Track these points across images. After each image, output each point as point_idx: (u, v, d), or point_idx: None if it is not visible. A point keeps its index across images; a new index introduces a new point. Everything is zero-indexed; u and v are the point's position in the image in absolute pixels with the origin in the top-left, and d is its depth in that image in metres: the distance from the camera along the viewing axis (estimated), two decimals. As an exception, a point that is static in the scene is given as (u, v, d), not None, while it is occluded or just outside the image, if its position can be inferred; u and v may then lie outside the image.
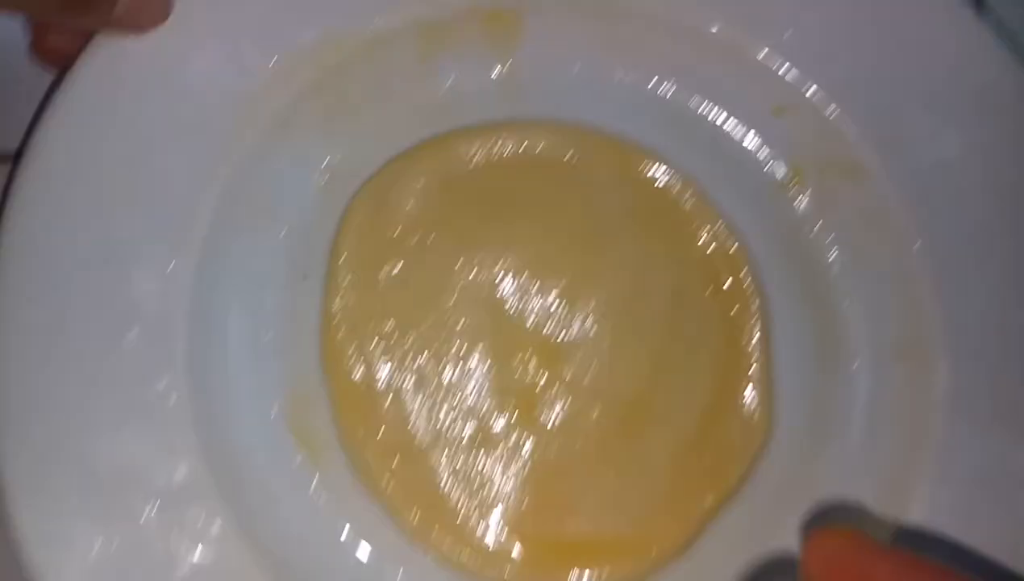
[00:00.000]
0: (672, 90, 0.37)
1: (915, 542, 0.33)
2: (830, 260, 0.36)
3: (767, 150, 0.37)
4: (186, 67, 0.34)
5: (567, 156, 0.37)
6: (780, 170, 0.37)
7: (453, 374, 0.35)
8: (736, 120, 0.37)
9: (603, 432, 0.35)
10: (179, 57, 0.34)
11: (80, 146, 0.33)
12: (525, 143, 0.37)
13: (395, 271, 0.35)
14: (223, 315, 0.34)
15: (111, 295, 0.33)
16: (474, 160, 0.37)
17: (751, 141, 0.37)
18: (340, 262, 0.35)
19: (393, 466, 0.34)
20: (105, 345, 0.32)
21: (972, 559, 0.32)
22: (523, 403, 0.35)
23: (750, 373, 0.36)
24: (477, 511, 0.34)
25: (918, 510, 0.33)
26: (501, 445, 0.34)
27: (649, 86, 0.37)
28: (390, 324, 0.35)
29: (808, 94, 0.36)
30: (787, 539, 0.34)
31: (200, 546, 0.31)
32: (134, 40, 0.34)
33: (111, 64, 0.34)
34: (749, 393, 0.35)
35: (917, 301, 0.35)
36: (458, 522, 0.34)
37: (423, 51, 0.37)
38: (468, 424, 0.35)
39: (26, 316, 0.32)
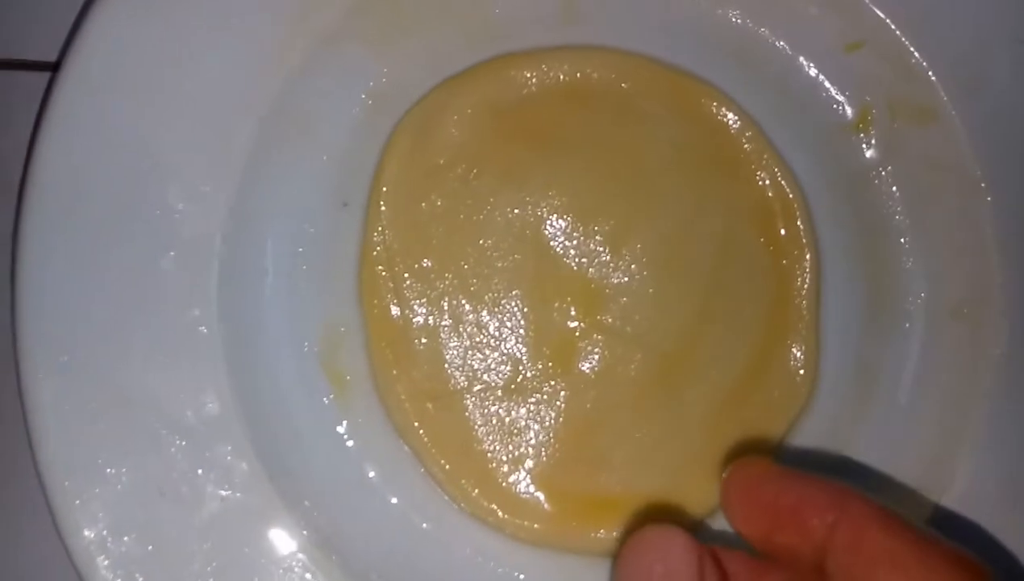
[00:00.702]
0: (739, 19, 0.34)
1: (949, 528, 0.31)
2: (892, 212, 0.34)
3: (836, 89, 0.34)
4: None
5: (622, 86, 0.35)
6: (848, 111, 0.34)
7: (490, 317, 0.33)
8: (805, 55, 0.34)
9: (640, 384, 0.33)
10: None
11: (119, 58, 0.32)
12: (579, 72, 0.35)
13: (437, 205, 0.34)
14: (260, 241, 0.33)
15: (147, 216, 0.32)
16: (526, 87, 0.35)
17: (820, 78, 0.34)
18: (381, 193, 0.34)
19: (425, 409, 0.33)
20: (140, 268, 0.31)
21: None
22: (561, 350, 0.33)
23: (797, 329, 0.34)
24: (508, 462, 0.33)
25: (960, 483, 0.32)
26: (536, 394, 0.33)
27: (715, 14, 0.34)
28: (429, 262, 0.34)
29: (885, 28, 0.34)
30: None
31: (226, 484, 0.31)
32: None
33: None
34: (794, 350, 0.34)
35: (982, 259, 0.33)
36: (488, 472, 0.33)
37: (480, -32, 0.34)
38: (503, 370, 0.33)
39: (60, 235, 0.31)
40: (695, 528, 0.32)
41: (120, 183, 0.31)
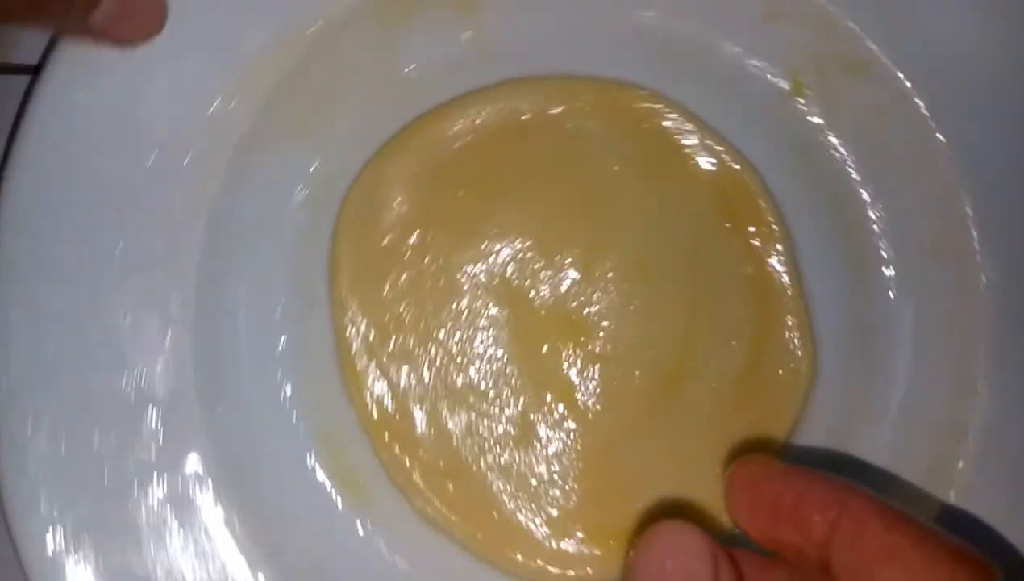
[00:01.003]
0: (653, 18, 0.34)
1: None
2: (848, 167, 0.34)
3: (763, 62, 0.34)
4: (139, 100, 0.31)
5: (554, 111, 0.34)
6: (780, 80, 0.34)
7: (483, 378, 0.33)
8: (725, 36, 0.34)
9: (647, 400, 0.33)
10: (130, 90, 0.31)
11: (102, 60, 0.31)
12: (506, 109, 0.34)
13: (401, 282, 0.33)
14: (236, 368, 0.32)
15: (114, 375, 0.31)
16: (457, 139, 0.34)
17: (745, 55, 0.34)
18: (341, 289, 0.33)
19: (445, 489, 0.32)
20: (123, 434, 0.30)
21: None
22: (562, 390, 0.33)
23: (785, 305, 0.33)
24: (541, 516, 0.32)
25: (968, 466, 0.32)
26: (550, 440, 0.33)
27: (629, 19, 0.34)
28: (409, 340, 0.33)
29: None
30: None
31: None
32: (86, 78, 0.30)
33: (65, 99, 0.31)
34: (789, 325, 0.33)
35: (946, 194, 0.33)
36: (525, 533, 0.32)
37: (383, 30, 0.33)
38: (512, 427, 0.33)
39: (34, 245, 0.31)
40: (727, 532, 0.32)
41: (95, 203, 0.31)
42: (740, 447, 0.33)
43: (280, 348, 0.33)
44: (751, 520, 0.28)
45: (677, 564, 0.26)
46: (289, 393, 0.33)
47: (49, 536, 0.29)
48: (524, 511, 0.32)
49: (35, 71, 0.32)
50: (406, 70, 0.33)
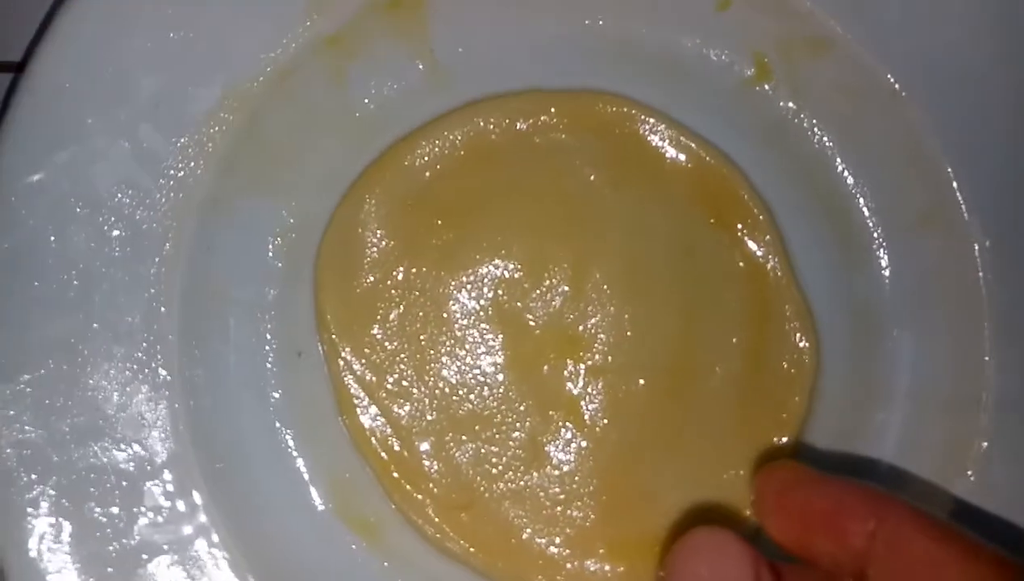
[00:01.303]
0: (605, 21, 0.33)
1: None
2: (824, 147, 0.33)
3: (723, 51, 0.33)
4: (94, 172, 0.30)
5: (519, 129, 0.33)
6: (743, 67, 0.33)
7: (486, 406, 0.32)
8: (680, 31, 0.33)
9: (654, 407, 0.32)
10: (84, 163, 0.30)
11: (86, 58, 0.30)
12: (472, 131, 0.33)
13: (390, 320, 0.32)
14: (234, 422, 0.31)
15: (108, 450, 0.30)
16: (427, 167, 0.33)
17: (703, 46, 0.33)
18: (332, 337, 0.32)
19: (461, 522, 0.32)
20: (125, 505, 0.30)
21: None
22: (567, 407, 0.32)
23: (780, 293, 0.33)
24: (561, 538, 0.32)
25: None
26: (561, 460, 0.32)
27: (582, 25, 0.33)
28: (407, 376, 0.32)
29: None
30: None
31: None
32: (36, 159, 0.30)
33: (16, 182, 0.30)
34: (787, 314, 0.33)
35: (927, 163, 0.32)
36: (547, 557, 0.31)
37: (334, 70, 0.32)
38: (521, 451, 0.32)
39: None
40: (755, 533, 0.31)
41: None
42: (752, 445, 0.32)
43: (276, 399, 0.32)
44: (782, 527, 0.27)
45: (716, 573, 0.26)
46: (291, 443, 0.32)
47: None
48: (542, 534, 0.32)
49: (18, 68, 0.31)
50: (364, 103, 0.33)
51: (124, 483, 0.30)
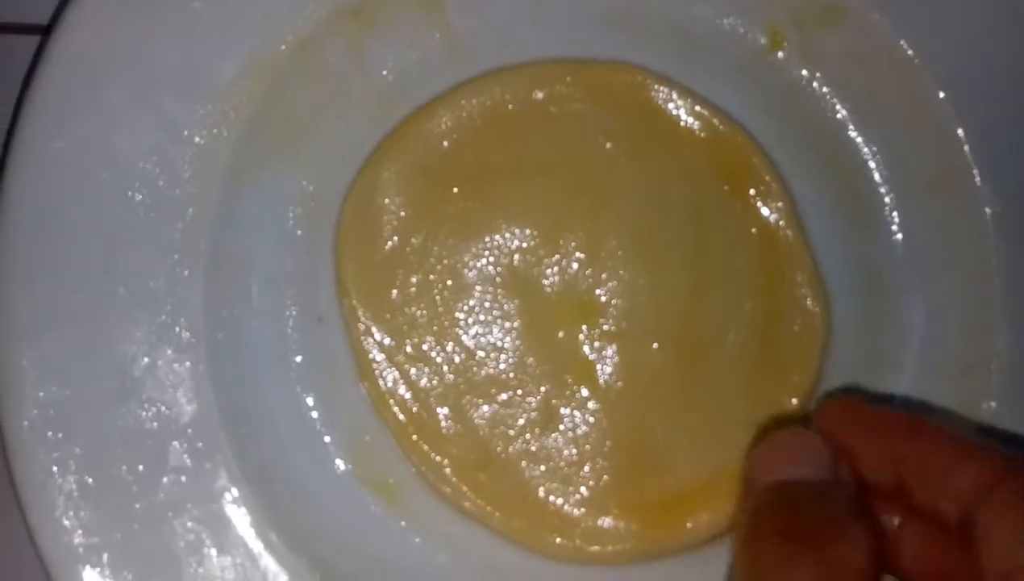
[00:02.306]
0: (620, -9, 0.33)
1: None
2: (839, 115, 0.33)
3: (738, 21, 0.33)
4: (118, 139, 0.30)
5: (536, 97, 0.33)
6: (758, 37, 0.33)
7: (503, 369, 0.32)
8: (695, 1, 0.33)
9: (668, 373, 0.32)
10: (106, 131, 0.30)
11: (112, 23, 0.30)
12: (490, 100, 0.33)
13: (409, 286, 0.32)
14: (257, 388, 0.31)
15: (134, 411, 0.30)
16: (445, 136, 0.33)
17: (717, 15, 0.33)
18: (351, 302, 0.32)
19: (479, 481, 0.31)
20: (150, 466, 0.30)
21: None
22: (582, 371, 0.32)
23: (791, 259, 0.33)
24: (576, 498, 0.31)
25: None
26: (576, 423, 0.32)
27: (594, -1, 0.33)
28: (426, 341, 0.32)
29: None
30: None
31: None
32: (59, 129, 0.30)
33: (41, 152, 0.30)
34: (798, 280, 0.32)
35: (939, 128, 0.32)
36: (562, 515, 0.31)
37: (354, 42, 0.32)
38: (536, 413, 0.32)
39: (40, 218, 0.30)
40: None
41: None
42: (763, 409, 0.32)
43: (297, 363, 0.32)
44: (870, 467, 0.25)
45: (800, 465, 0.25)
46: (311, 406, 0.32)
47: (87, 572, 0.29)
48: (558, 493, 0.31)
49: (45, 31, 0.31)
50: (383, 74, 0.33)
51: (149, 442, 0.29)
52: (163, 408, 0.30)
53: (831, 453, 0.26)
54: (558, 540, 0.31)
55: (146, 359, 0.30)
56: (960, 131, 0.31)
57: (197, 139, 0.31)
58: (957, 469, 0.23)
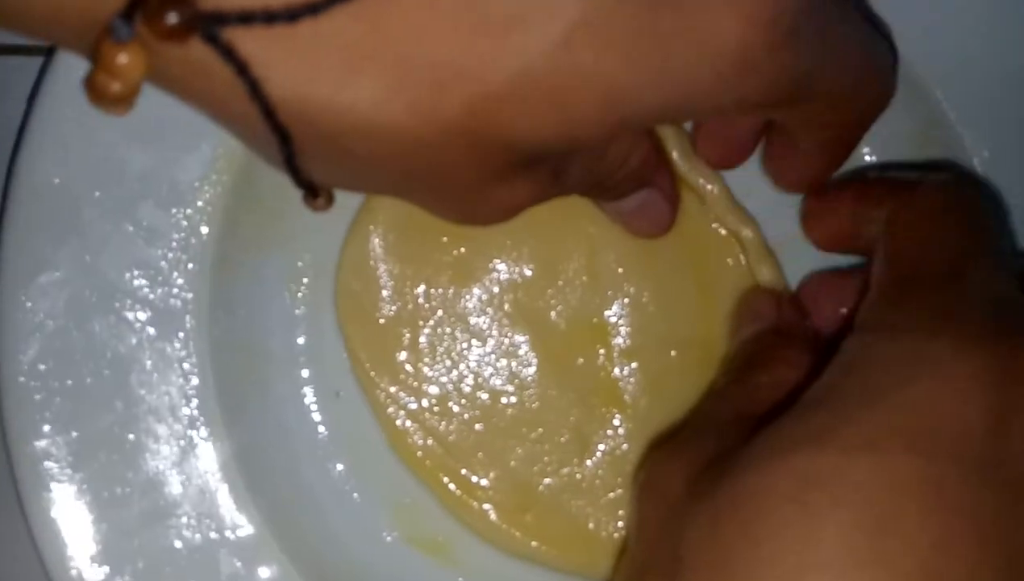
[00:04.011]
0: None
1: None
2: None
3: None
4: (101, 265, 0.29)
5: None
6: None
7: (528, 408, 0.31)
8: None
9: (691, 377, 0.31)
10: (93, 253, 0.29)
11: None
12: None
13: (420, 342, 0.31)
14: (293, 468, 0.30)
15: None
16: (424, 186, 0.31)
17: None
18: (366, 369, 0.30)
19: (527, 523, 0.30)
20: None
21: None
22: (606, 394, 0.31)
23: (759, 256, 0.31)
24: (622, 521, 0.30)
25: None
26: (608, 446, 0.31)
27: None
28: (448, 395, 0.31)
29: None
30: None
31: None
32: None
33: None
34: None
35: (912, 87, 0.30)
36: (615, 541, 0.30)
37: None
38: (568, 444, 0.30)
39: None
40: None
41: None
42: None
43: (324, 440, 0.31)
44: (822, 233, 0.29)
45: (752, 314, 0.29)
46: (347, 480, 0.31)
47: None
48: (607, 522, 0.30)
49: (48, 53, 0.29)
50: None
51: (197, 556, 0.28)
52: (207, 520, 0.28)
53: (774, 295, 0.29)
54: (603, 566, 0.30)
55: (179, 474, 0.28)
56: (936, 89, 0.30)
57: (180, 242, 0.29)
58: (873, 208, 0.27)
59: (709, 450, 0.23)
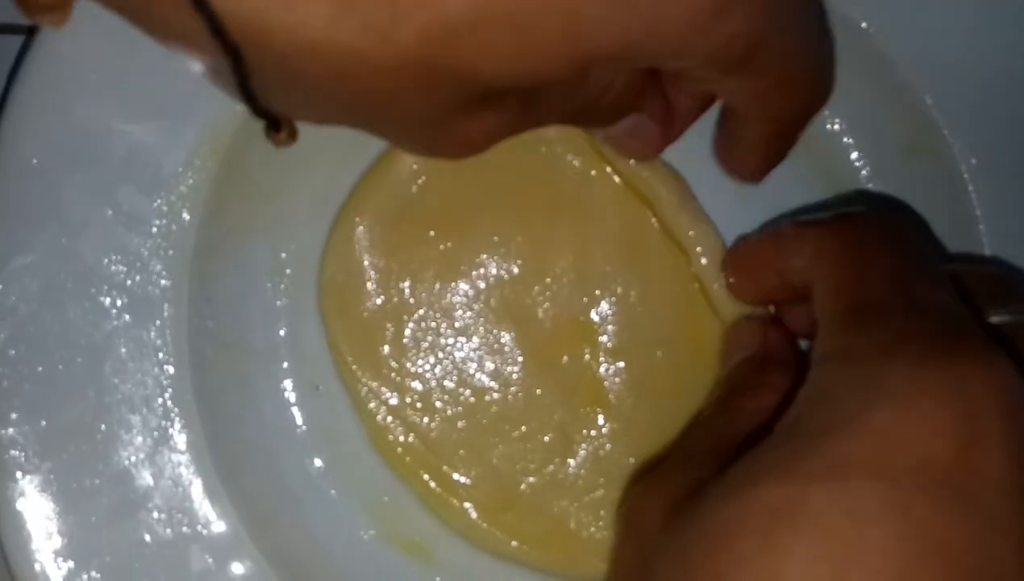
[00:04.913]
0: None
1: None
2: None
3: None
4: (79, 250, 0.27)
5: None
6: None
7: (513, 404, 0.29)
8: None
9: (676, 378, 0.29)
10: (66, 244, 0.27)
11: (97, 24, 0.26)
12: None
13: (404, 338, 0.29)
14: (273, 481, 0.29)
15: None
16: (412, 179, 0.30)
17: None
18: (349, 364, 0.29)
19: (508, 521, 0.29)
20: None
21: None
22: (591, 392, 0.29)
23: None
24: (603, 521, 0.29)
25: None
26: (592, 445, 0.29)
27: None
28: (431, 391, 0.29)
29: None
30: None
31: None
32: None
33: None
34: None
35: (901, 92, 0.30)
36: (596, 541, 0.29)
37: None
38: (552, 443, 0.29)
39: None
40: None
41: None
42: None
43: (303, 435, 0.29)
44: (741, 286, 0.28)
45: (740, 343, 0.28)
46: (325, 476, 0.29)
47: None
48: (589, 522, 0.29)
49: (29, 32, 0.28)
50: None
51: (168, 552, 0.27)
52: (178, 515, 0.27)
53: (759, 322, 0.28)
54: (603, 565, 0.29)
55: (150, 467, 0.27)
56: (925, 95, 0.29)
57: (160, 229, 0.28)
58: (796, 253, 0.26)
59: (686, 483, 0.22)
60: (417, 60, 0.19)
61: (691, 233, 0.29)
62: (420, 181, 0.30)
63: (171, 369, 0.28)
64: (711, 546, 0.19)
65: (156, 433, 0.27)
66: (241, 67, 0.19)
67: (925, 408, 0.19)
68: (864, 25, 0.29)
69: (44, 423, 0.26)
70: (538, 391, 0.29)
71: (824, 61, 0.25)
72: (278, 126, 0.22)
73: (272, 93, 0.20)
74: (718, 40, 0.20)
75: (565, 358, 0.30)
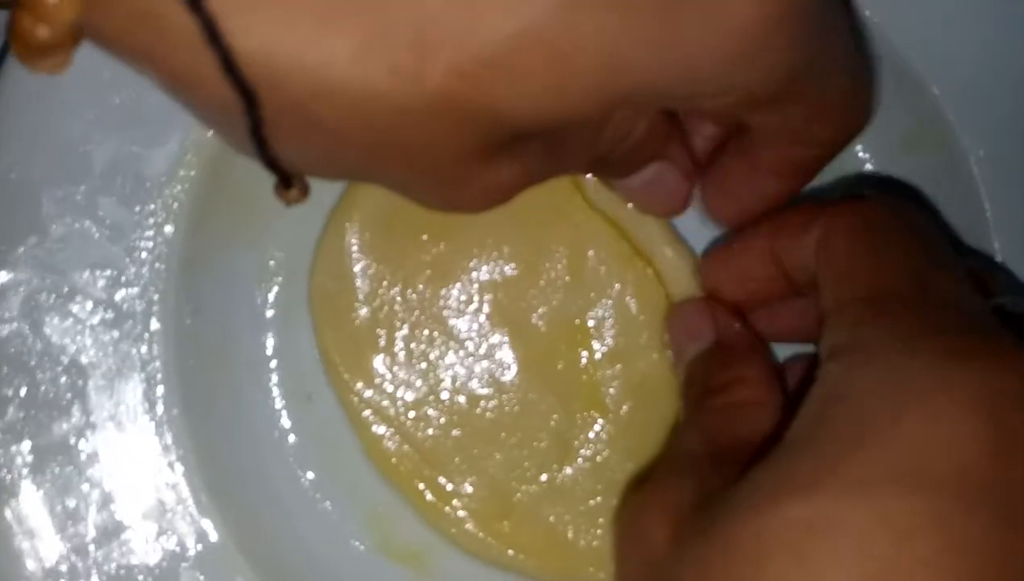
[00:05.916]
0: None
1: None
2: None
3: None
4: (60, 265, 0.26)
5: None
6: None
7: (508, 410, 0.28)
8: None
9: (673, 381, 0.28)
10: (47, 259, 0.26)
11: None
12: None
13: (396, 345, 0.28)
14: (264, 494, 0.27)
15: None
16: (401, 183, 0.28)
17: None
18: (340, 372, 0.27)
19: (503, 530, 0.28)
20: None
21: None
22: (588, 399, 0.28)
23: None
24: (601, 529, 0.28)
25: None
26: (589, 452, 0.28)
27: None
28: (425, 400, 0.28)
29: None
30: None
31: None
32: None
33: None
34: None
35: (907, 83, 0.28)
36: (592, 550, 0.27)
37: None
38: (548, 450, 0.28)
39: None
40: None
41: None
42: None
43: (295, 446, 0.28)
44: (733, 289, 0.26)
45: (686, 326, 0.27)
46: (318, 487, 0.28)
47: None
48: (585, 530, 0.28)
49: (6, 43, 0.26)
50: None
51: (158, 571, 0.25)
52: (164, 538, 0.25)
53: (706, 305, 0.26)
54: (602, 575, 0.27)
55: (137, 488, 0.25)
56: (933, 86, 0.27)
57: (144, 241, 0.26)
58: (802, 238, 0.23)
59: (689, 492, 0.21)
60: (446, 101, 0.17)
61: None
62: (409, 184, 0.28)
63: (159, 385, 0.26)
64: (737, 565, 0.18)
65: (144, 450, 0.26)
66: (255, 111, 0.17)
67: (956, 412, 0.18)
68: (869, 14, 0.27)
69: (28, 444, 0.25)
70: (533, 397, 0.28)
71: (867, 83, 0.23)
72: (289, 182, 0.20)
73: (285, 144, 0.18)
74: (759, 70, 0.19)
75: (561, 363, 0.28)
